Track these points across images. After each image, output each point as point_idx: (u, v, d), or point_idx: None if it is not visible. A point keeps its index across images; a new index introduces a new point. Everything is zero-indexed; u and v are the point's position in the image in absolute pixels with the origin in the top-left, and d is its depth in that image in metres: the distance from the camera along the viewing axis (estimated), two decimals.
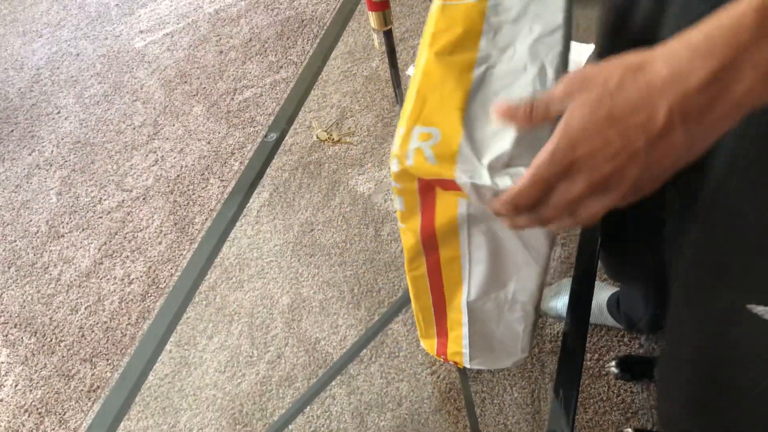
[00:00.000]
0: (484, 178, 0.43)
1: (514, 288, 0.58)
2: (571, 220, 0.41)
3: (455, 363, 0.72)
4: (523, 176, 0.40)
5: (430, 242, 0.54)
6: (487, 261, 0.55)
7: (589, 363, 1.22)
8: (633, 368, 1.20)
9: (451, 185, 0.45)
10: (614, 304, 1.19)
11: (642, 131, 0.36)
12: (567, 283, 1.29)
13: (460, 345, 0.68)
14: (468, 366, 0.71)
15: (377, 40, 1.92)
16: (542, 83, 0.48)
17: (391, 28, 1.25)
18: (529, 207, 0.41)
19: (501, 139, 0.45)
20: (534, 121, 0.42)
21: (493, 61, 0.51)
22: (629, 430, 1.13)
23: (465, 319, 0.63)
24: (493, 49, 0.52)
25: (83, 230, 1.75)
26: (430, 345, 0.72)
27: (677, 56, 0.36)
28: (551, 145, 0.39)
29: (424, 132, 0.46)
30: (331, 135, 1.63)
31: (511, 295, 0.59)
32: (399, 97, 1.73)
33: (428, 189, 0.49)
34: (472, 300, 0.60)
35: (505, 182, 0.43)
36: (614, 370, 1.20)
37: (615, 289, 1.21)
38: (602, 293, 1.25)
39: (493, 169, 0.44)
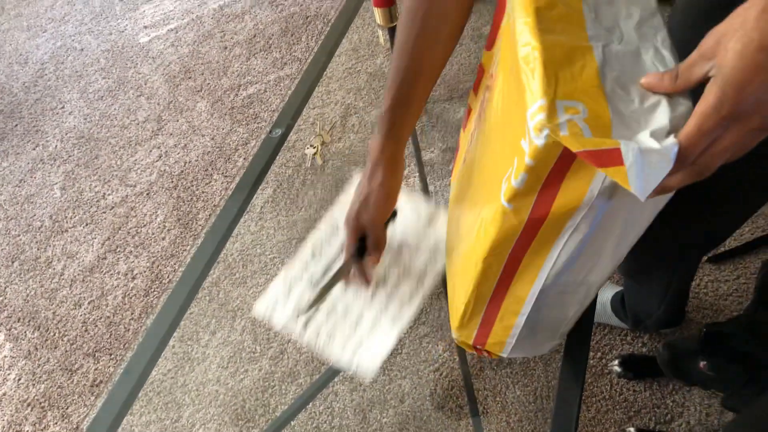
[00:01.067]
0: (653, 144, 0.42)
1: (589, 269, 0.58)
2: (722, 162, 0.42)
3: (488, 354, 0.72)
4: (690, 128, 0.41)
5: (534, 225, 0.53)
6: (579, 249, 0.54)
7: (592, 362, 1.22)
8: (636, 367, 1.20)
9: (611, 156, 0.43)
10: (618, 303, 1.19)
11: None
12: None
13: (507, 334, 0.67)
14: (504, 356, 0.71)
15: (382, 36, 1.91)
16: (662, 64, 0.48)
17: (396, 25, 1.24)
18: (695, 157, 0.42)
19: (654, 113, 0.45)
20: (679, 87, 0.43)
21: (605, 40, 0.50)
22: (631, 429, 1.12)
23: (527, 308, 0.62)
24: (600, 29, 0.51)
25: (87, 225, 1.75)
26: (466, 335, 0.71)
27: None
28: (714, 97, 0.39)
29: (569, 106, 0.45)
30: (318, 147, 1.63)
31: (582, 277, 0.58)
32: None
33: (563, 168, 0.48)
34: (547, 286, 0.59)
35: (673, 148, 0.42)
36: (617, 368, 1.20)
37: (618, 289, 1.21)
38: (605, 293, 1.24)
39: (657, 136, 0.43)
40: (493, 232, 0.55)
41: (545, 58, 0.48)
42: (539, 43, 0.49)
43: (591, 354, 1.24)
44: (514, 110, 0.52)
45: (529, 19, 0.51)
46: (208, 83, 2.05)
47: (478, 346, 0.72)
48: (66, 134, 2.02)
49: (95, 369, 1.47)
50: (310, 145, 1.66)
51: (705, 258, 1.29)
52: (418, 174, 1.53)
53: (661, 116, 0.45)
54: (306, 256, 0.85)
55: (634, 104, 0.46)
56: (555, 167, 0.48)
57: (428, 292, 0.77)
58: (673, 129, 0.43)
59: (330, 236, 0.86)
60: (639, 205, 0.50)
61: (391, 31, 1.39)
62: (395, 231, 0.83)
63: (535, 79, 0.47)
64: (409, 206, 0.86)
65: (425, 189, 1.49)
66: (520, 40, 0.51)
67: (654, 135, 0.43)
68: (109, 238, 1.71)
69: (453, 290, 0.73)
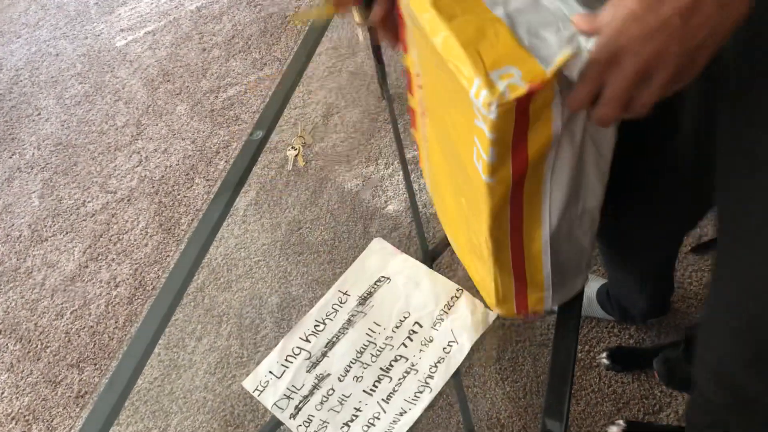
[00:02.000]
0: (568, 51, 0.46)
1: (584, 197, 0.61)
2: (629, 112, 0.46)
3: (535, 314, 0.73)
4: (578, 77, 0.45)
5: (519, 183, 0.56)
6: (568, 179, 0.57)
7: (580, 355, 1.23)
8: (624, 359, 1.20)
9: (545, 86, 0.47)
10: (604, 296, 1.20)
11: (672, 5, 0.40)
12: None
13: (541, 288, 0.69)
14: (548, 308, 0.71)
15: (362, 34, 1.91)
16: (570, 9, 0.51)
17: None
18: (589, 102, 0.47)
19: (572, 43, 0.48)
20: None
21: (503, 3, 0.53)
22: (621, 421, 1.13)
23: (546, 258, 0.64)
24: None
25: (67, 233, 1.72)
26: (508, 308, 0.72)
27: None
28: (596, 42, 0.43)
29: (502, 73, 0.48)
30: (299, 149, 1.62)
31: (581, 207, 0.61)
32: (385, 92, 1.72)
33: (523, 124, 0.50)
34: (553, 228, 0.61)
35: (588, 44, 0.45)
36: (605, 361, 1.20)
37: (603, 281, 1.22)
38: (591, 285, 1.25)
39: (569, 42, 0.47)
40: (486, 208, 0.58)
41: (462, 40, 0.51)
42: (449, 30, 0.52)
43: (579, 347, 1.24)
44: (455, 97, 0.54)
45: (431, 12, 0.54)
46: (187, 86, 2.02)
47: (522, 312, 0.73)
48: (43, 141, 1.98)
49: (80, 380, 1.44)
50: (292, 147, 1.65)
51: (689, 249, 1.31)
52: (401, 173, 1.52)
53: (580, 42, 0.48)
54: (308, 326, 0.80)
55: (553, 45, 0.49)
56: (516, 128, 0.50)
57: (436, 394, 0.72)
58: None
59: (337, 306, 0.81)
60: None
61: (370, 30, 1.38)
62: (409, 304, 0.78)
63: (462, 62, 0.50)
64: (427, 282, 0.81)
65: (409, 188, 1.49)
66: (432, 33, 0.54)
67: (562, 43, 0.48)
68: (90, 246, 1.68)
69: (477, 273, 0.74)
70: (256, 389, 0.75)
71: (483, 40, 0.51)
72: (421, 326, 0.76)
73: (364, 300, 0.80)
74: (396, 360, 0.74)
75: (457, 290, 0.79)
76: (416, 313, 0.78)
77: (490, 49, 0.50)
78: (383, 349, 0.75)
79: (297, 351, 0.77)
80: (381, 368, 0.74)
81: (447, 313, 0.77)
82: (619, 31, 0.42)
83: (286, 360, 0.76)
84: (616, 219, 0.80)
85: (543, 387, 1.19)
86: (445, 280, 0.81)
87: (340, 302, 0.81)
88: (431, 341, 0.75)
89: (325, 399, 0.73)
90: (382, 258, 0.87)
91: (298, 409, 0.72)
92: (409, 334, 0.76)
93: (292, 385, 0.74)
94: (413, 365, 0.74)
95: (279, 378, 0.75)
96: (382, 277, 0.83)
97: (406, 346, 0.75)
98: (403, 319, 0.77)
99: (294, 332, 0.80)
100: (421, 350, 0.75)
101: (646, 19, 0.41)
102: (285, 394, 0.74)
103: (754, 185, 0.56)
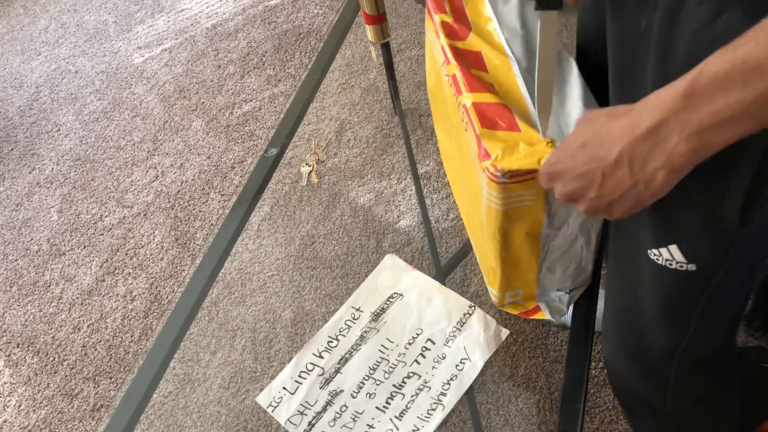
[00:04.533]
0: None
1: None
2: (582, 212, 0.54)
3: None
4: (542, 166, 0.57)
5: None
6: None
7: (593, 372, 1.22)
8: None
9: (536, 310, 0.79)
10: None
11: (599, 163, 0.47)
12: None
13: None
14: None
15: (374, 52, 1.93)
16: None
17: (388, 41, 1.25)
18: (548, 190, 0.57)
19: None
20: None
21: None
22: None
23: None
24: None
25: (84, 248, 1.75)
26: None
27: (638, 110, 0.45)
28: (546, 157, 0.56)
29: (513, 293, 0.80)
30: (313, 165, 1.63)
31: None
32: (397, 108, 1.73)
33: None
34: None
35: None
36: None
37: None
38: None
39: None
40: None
41: (503, 261, 0.70)
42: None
43: (593, 364, 1.23)
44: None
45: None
46: (203, 102, 2.05)
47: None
48: (62, 157, 2.02)
49: (96, 393, 1.46)
50: (306, 164, 1.66)
51: None
52: (414, 187, 1.53)
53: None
54: (321, 342, 0.80)
55: (556, 278, 0.76)
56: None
57: (448, 411, 0.72)
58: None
59: (350, 323, 0.81)
60: None
61: (384, 47, 1.40)
62: (421, 321, 0.78)
63: (495, 277, 0.73)
64: (439, 299, 0.81)
65: (422, 203, 1.49)
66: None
67: None
68: (107, 260, 1.70)
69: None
70: (270, 405, 0.76)
71: (515, 265, 0.72)
72: (433, 343, 0.77)
73: (376, 316, 0.81)
74: (409, 377, 0.75)
75: (470, 307, 0.79)
76: (429, 329, 0.78)
77: (516, 276, 0.73)
78: (396, 365, 0.76)
79: (310, 367, 0.78)
80: (394, 385, 0.74)
81: (459, 330, 0.77)
82: (557, 160, 0.52)
83: (299, 376, 0.77)
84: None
85: (557, 404, 1.18)
86: (457, 296, 0.81)
87: (353, 318, 0.81)
88: (444, 358, 0.76)
89: (338, 415, 0.73)
90: (394, 274, 0.87)
91: (311, 425, 0.73)
92: (422, 351, 0.76)
93: (306, 401, 0.74)
94: (426, 382, 0.74)
95: (292, 394, 0.75)
96: (395, 293, 0.83)
97: (418, 363, 0.75)
98: (415, 335, 0.78)
99: (307, 348, 0.80)
100: (433, 367, 0.75)
101: (577, 162, 0.49)
102: (298, 410, 0.74)
103: None
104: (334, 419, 0.73)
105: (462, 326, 0.78)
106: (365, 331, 0.79)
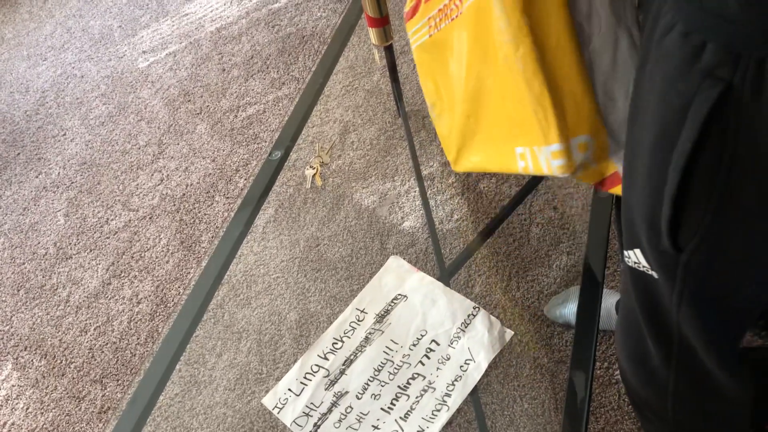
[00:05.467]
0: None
1: None
2: None
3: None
4: None
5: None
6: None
7: (598, 372, 1.22)
8: None
9: (613, 178, 0.65)
10: None
11: None
12: (575, 291, 1.29)
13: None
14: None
15: (377, 54, 1.93)
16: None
17: (391, 44, 1.26)
18: None
19: None
20: None
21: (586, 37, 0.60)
22: None
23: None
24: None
25: (91, 251, 1.76)
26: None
27: None
28: None
29: (581, 142, 0.63)
30: (317, 168, 1.64)
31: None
32: (401, 110, 1.74)
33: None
34: None
35: None
36: None
37: None
38: (610, 299, 1.24)
39: None
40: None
41: (553, 99, 0.58)
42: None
43: (597, 364, 1.23)
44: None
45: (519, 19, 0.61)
46: (208, 105, 2.06)
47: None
48: (68, 161, 2.03)
49: (103, 395, 1.47)
50: (310, 166, 1.67)
51: None
52: (418, 189, 1.53)
53: None
54: (326, 344, 0.80)
55: (619, 110, 0.57)
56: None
57: (453, 412, 0.72)
58: None
59: (355, 324, 0.82)
60: None
61: (387, 50, 1.40)
62: (426, 322, 0.78)
63: (547, 119, 0.58)
64: (444, 300, 0.81)
65: (425, 204, 1.50)
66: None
67: None
68: (113, 264, 1.71)
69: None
70: (275, 407, 0.76)
71: (569, 97, 0.59)
72: (438, 344, 0.77)
73: (381, 318, 0.81)
74: (413, 378, 0.75)
75: (474, 308, 0.79)
76: (433, 331, 0.78)
77: (574, 111, 0.58)
78: (401, 367, 0.76)
79: (315, 369, 0.78)
80: (398, 386, 0.75)
81: (464, 331, 0.78)
82: None
83: (304, 378, 0.77)
84: None
85: (562, 404, 1.19)
86: (461, 298, 0.81)
87: (358, 320, 0.82)
88: (448, 359, 0.76)
89: (343, 417, 0.74)
90: (398, 276, 0.88)
91: (316, 426, 0.73)
92: (426, 352, 0.77)
93: (311, 403, 0.75)
94: (431, 383, 0.74)
95: (298, 396, 0.76)
96: (399, 294, 0.84)
97: (423, 364, 0.76)
98: (420, 337, 0.78)
99: (312, 350, 0.81)
100: (438, 368, 0.75)
101: None
102: (304, 412, 0.75)
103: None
104: (340, 420, 0.73)
105: (466, 327, 0.78)
106: (370, 333, 0.80)
